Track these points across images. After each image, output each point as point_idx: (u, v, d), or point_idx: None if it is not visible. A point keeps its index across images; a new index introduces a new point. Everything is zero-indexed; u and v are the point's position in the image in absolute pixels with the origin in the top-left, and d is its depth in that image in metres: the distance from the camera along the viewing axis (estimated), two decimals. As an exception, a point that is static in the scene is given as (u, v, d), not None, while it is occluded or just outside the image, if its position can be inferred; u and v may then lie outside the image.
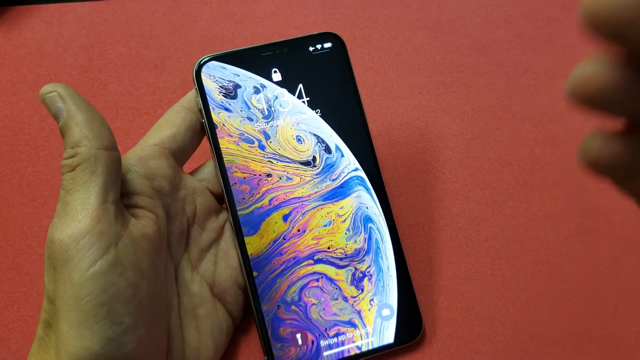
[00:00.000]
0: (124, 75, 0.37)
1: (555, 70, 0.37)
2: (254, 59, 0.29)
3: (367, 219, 0.29)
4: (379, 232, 0.29)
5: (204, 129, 0.29)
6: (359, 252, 0.29)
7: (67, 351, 0.22)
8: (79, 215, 0.22)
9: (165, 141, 0.28)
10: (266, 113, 0.29)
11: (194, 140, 0.29)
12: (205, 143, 0.30)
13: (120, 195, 0.25)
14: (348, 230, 0.29)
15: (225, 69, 0.29)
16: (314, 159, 0.29)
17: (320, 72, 0.30)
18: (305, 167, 0.29)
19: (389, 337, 0.28)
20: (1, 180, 0.35)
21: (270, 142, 0.29)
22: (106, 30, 0.39)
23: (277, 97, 0.29)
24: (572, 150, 0.35)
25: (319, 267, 0.29)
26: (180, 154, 0.28)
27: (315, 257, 0.29)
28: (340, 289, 0.29)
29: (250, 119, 0.29)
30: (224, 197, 0.29)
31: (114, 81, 0.37)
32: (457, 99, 0.37)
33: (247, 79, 0.29)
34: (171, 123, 0.28)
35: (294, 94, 0.30)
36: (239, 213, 0.29)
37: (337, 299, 0.28)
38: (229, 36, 0.38)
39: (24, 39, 0.39)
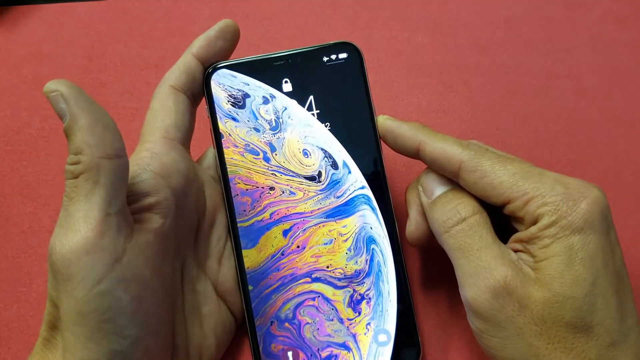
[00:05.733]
0: (124, 75, 0.37)
1: (556, 71, 0.37)
2: (265, 69, 0.29)
3: (371, 240, 0.28)
4: (382, 254, 0.28)
5: (210, 136, 0.28)
6: (359, 273, 0.28)
7: None
8: (81, 229, 0.22)
9: (171, 131, 0.27)
10: (274, 124, 0.29)
11: (192, 120, 0.28)
12: (203, 129, 0.30)
13: (134, 196, 0.25)
14: (349, 250, 0.28)
15: (235, 77, 0.29)
16: (320, 174, 0.29)
17: (333, 84, 0.29)
18: (310, 182, 0.28)
19: None
20: (1, 180, 0.35)
21: (276, 154, 0.28)
22: (106, 30, 0.39)
23: (286, 109, 0.29)
24: (572, 151, 0.35)
25: (316, 286, 0.28)
26: (185, 140, 0.28)
27: (313, 276, 0.28)
28: (336, 310, 0.28)
29: (257, 130, 0.29)
30: (225, 207, 0.28)
31: (114, 81, 0.37)
32: (457, 99, 0.37)
33: (256, 88, 0.29)
34: (167, 109, 0.27)
35: (304, 106, 0.29)
36: (238, 225, 0.28)
37: (332, 320, 0.28)
38: (229, 36, 0.38)
39: (24, 38, 0.39)
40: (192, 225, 0.28)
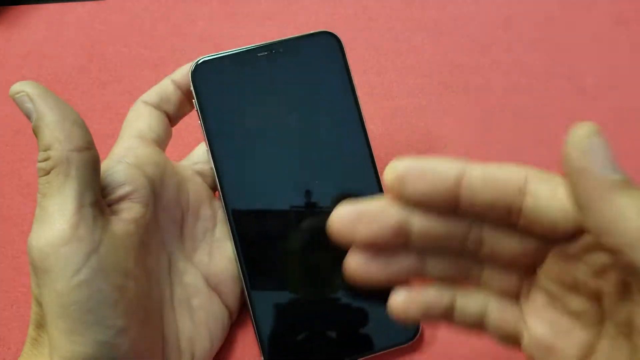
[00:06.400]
0: (124, 75, 0.38)
1: (555, 70, 0.37)
2: (250, 60, 0.29)
3: None
4: None
5: (201, 131, 0.29)
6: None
7: (60, 355, 0.22)
8: (56, 222, 0.22)
9: (145, 132, 0.27)
10: (262, 115, 0.29)
11: (167, 131, 0.29)
12: (193, 132, 0.30)
13: (110, 188, 0.25)
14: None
15: (221, 69, 0.29)
16: (310, 163, 0.29)
17: (317, 73, 0.29)
18: (302, 172, 0.29)
19: (386, 338, 0.28)
20: (1, 180, 0.35)
21: (265, 144, 0.29)
22: (106, 30, 0.39)
23: (272, 99, 0.29)
24: (572, 151, 0.35)
25: (316, 276, 0.29)
26: (160, 142, 0.28)
27: (312, 265, 0.29)
28: (338, 288, 0.28)
29: (246, 121, 0.29)
30: (220, 200, 0.29)
31: (114, 81, 0.37)
32: (457, 99, 0.37)
33: (242, 79, 0.29)
34: (140, 117, 0.28)
35: (290, 96, 0.29)
36: (234, 217, 0.28)
37: (334, 302, 0.28)
38: (228, 36, 0.39)
39: (24, 38, 0.39)
40: (176, 219, 0.28)
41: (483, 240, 0.21)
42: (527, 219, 0.20)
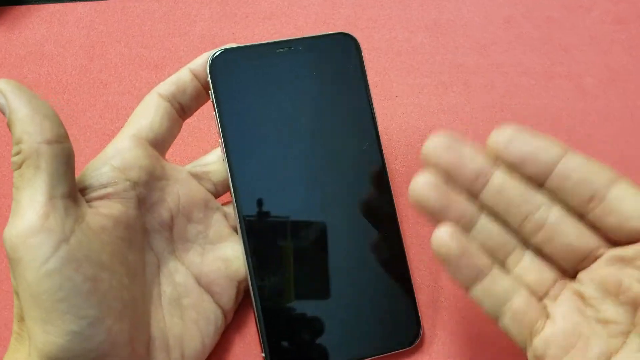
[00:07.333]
0: (125, 75, 0.38)
1: (555, 71, 0.37)
2: (268, 55, 0.29)
3: (371, 221, 0.29)
4: (382, 234, 0.29)
5: (215, 122, 0.29)
6: (360, 252, 0.29)
7: (35, 347, 0.22)
8: (27, 213, 0.22)
9: (143, 131, 0.27)
10: (277, 111, 0.29)
11: (173, 128, 0.28)
12: (198, 135, 0.30)
13: (91, 188, 0.25)
14: (355, 245, 0.29)
15: (239, 62, 0.29)
16: (322, 162, 0.29)
17: (334, 73, 0.29)
18: (314, 171, 0.29)
19: (387, 341, 0.28)
20: (2, 180, 0.35)
21: (280, 140, 0.29)
22: (107, 30, 0.39)
23: (289, 96, 0.29)
24: (571, 151, 0.35)
25: (323, 278, 0.29)
26: (158, 143, 0.28)
27: (320, 268, 0.29)
28: (340, 289, 0.29)
29: (261, 116, 0.29)
30: (232, 195, 0.29)
31: (115, 81, 0.37)
32: (456, 99, 0.37)
33: (260, 74, 0.29)
34: (146, 112, 0.28)
35: (306, 94, 0.29)
36: (246, 217, 0.28)
37: (337, 299, 0.28)
38: (229, 36, 0.39)
39: (25, 38, 0.39)
40: (164, 221, 0.28)
41: (546, 222, 0.22)
42: (606, 209, 0.21)
